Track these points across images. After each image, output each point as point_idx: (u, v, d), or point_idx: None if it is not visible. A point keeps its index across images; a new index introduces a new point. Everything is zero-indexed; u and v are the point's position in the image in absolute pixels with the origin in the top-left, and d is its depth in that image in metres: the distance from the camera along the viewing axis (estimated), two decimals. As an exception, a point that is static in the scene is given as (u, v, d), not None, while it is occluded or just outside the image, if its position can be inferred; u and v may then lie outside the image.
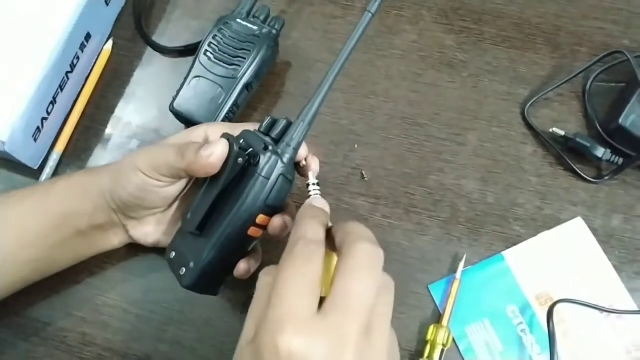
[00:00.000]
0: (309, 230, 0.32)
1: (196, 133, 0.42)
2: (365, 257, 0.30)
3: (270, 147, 0.37)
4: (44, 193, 0.43)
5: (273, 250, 0.40)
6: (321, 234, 0.33)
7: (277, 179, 0.37)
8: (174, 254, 0.40)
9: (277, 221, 0.38)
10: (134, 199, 0.41)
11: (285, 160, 0.37)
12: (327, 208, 0.37)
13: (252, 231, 0.38)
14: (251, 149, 0.37)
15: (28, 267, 0.42)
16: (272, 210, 0.38)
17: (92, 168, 0.45)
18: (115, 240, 0.44)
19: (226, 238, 0.37)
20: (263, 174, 0.36)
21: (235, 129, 0.41)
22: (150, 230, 0.44)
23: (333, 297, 0.29)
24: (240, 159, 0.37)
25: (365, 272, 0.30)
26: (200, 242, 0.38)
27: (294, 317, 0.28)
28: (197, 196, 0.39)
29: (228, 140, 0.38)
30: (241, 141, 0.38)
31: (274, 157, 0.36)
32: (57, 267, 0.44)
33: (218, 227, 0.37)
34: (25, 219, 0.42)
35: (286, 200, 0.39)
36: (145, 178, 0.40)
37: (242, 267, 0.40)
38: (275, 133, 0.38)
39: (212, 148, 0.37)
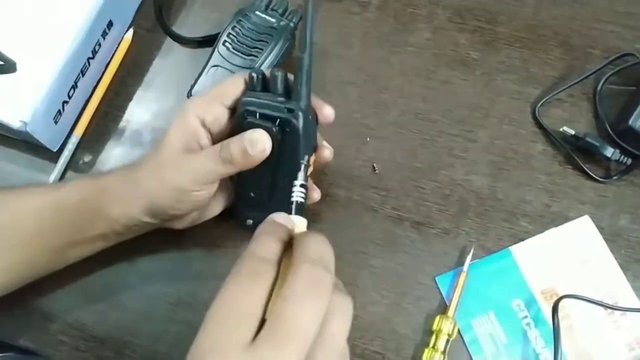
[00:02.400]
0: (260, 247, 0.30)
1: (191, 123, 0.41)
2: (304, 281, 0.28)
3: (291, 106, 0.39)
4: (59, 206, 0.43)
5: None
6: (274, 252, 0.30)
7: (309, 126, 0.40)
8: (250, 221, 0.45)
9: (326, 153, 0.44)
10: (173, 213, 0.42)
11: (305, 107, 0.40)
12: (290, 224, 0.33)
13: (308, 172, 0.42)
14: (278, 120, 0.39)
15: (45, 257, 0.44)
16: (314, 148, 0.43)
17: (114, 195, 0.42)
18: (140, 232, 0.45)
19: (297, 193, 0.40)
20: (300, 132, 0.39)
21: (219, 96, 0.42)
22: (183, 223, 0.45)
23: (269, 325, 0.27)
24: (278, 134, 0.39)
25: (303, 296, 0.27)
26: (273, 204, 0.43)
27: (221, 350, 0.26)
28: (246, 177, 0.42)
29: (264, 128, 0.39)
30: (258, 111, 0.40)
31: (300, 113, 0.39)
32: (72, 259, 0.45)
33: (285, 187, 0.39)
34: (44, 212, 0.43)
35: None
36: (190, 193, 0.40)
37: (316, 195, 0.45)
38: (278, 88, 0.40)
39: (259, 144, 0.38)
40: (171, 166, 0.41)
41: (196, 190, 0.40)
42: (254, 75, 0.41)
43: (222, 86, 0.42)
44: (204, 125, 0.41)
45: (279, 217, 0.34)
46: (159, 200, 0.41)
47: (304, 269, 0.28)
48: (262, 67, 0.49)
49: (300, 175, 0.39)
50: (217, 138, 0.42)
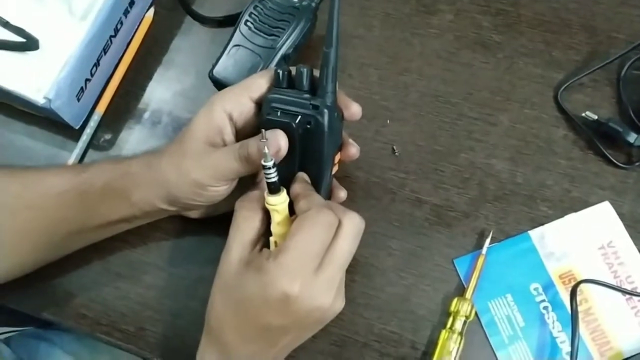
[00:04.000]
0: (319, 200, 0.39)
1: (217, 117, 0.41)
2: (357, 228, 0.39)
3: (316, 103, 0.39)
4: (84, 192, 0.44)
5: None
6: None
7: (334, 123, 0.40)
8: None
9: (352, 151, 0.44)
10: (190, 204, 0.43)
11: (331, 103, 0.39)
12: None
13: (333, 170, 0.43)
14: (300, 116, 0.39)
15: (69, 239, 0.45)
16: (340, 146, 0.43)
17: (134, 179, 0.43)
18: (158, 217, 0.46)
19: (324, 190, 0.43)
20: (326, 129, 0.39)
21: (247, 90, 0.42)
22: (199, 213, 0.46)
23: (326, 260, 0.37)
24: (299, 129, 0.39)
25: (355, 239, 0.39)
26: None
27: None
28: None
29: (284, 124, 0.39)
30: (282, 108, 0.40)
31: (325, 110, 0.39)
32: (94, 240, 0.46)
33: (317, 184, 0.42)
34: (68, 196, 0.43)
35: None
36: (208, 188, 0.41)
37: (342, 195, 0.46)
38: (304, 84, 0.40)
39: (277, 144, 0.38)
40: (192, 159, 0.41)
41: (214, 186, 0.41)
42: (280, 71, 0.41)
43: (250, 79, 0.42)
44: (230, 119, 0.41)
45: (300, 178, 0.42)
46: (177, 191, 0.42)
47: (354, 217, 0.39)
48: (284, 47, 0.49)
49: (267, 155, 0.38)
50: (242, 133, 0.42)
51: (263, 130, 0.37)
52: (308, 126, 0.39)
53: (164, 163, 0.42)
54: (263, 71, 0.43)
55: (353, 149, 0.44)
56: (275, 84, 0.41)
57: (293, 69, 0.41)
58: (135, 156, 0.45)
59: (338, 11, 0.37)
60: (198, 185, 0.41)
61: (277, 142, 0.39)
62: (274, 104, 0.40)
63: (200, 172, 0.40)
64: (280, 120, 0.39)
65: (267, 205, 0.40)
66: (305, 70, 0.40)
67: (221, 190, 0.42)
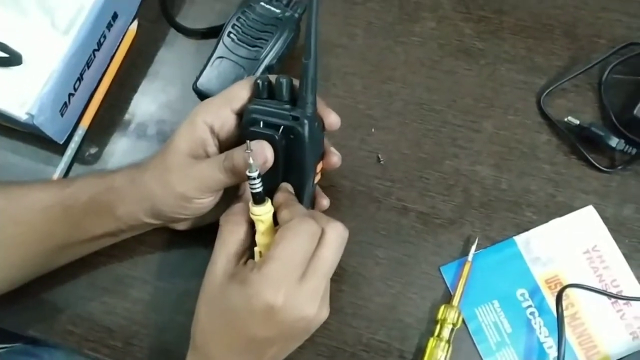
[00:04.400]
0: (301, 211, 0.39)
1: (199, 129, 0.41)
2: (341, 237, 0.39)
3: (297, 114, 0.39)
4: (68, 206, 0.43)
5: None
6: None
7: (315, 133, 0.40)
8: None
9: (334, 159, 0.44)
10: (175, 217, 0.43)
11: (311, 114, 0.39)
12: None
13: (316, 179, 0.43)
14: (282, 127, 0.39)
15: (55, 253, 0.44)
16: (322, 155, 0.43)
17: (119, 192, 0.43)
18: (143, 231, 0.46)
19: (307, 199, 0.43)
20: (306, 139, 0.39)
21: (228, 102, 0.41)
22: (185, 224, 0.46)
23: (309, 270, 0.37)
24: (282, 141, 0.39)
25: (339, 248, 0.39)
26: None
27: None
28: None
29: (267, 136, 0.39)
30: (262, 119, 0.40)
31: (305, 121, 0.39)
32: (80, 255, 0.46)
33: (300, 194, 0.42)
34: (53, 211, 0.43)
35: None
36: (193, 201, 0.41)
37: (325, 203, 0.47)
38: (284, 95, 0.40)
39: (260, 155, 0.39)
40: (176, 172, 0.41)
41: (199, 198, 0.41)
42: (259, 82, 0.41)
43: (230, 91, 0.42)
44: (212, 131, 0.41)
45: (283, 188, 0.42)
46: (162, 204, 0.42)
47: (338, 226, 0.39)
48: (268, 58, 0.49)
49: (252, 166, 0.38)
50: (225, 144, 0.42)
51: (248, 141, 0.37)
52: (290, 137, 0.40)
53: (147, 177, 0.42)
54: (243, 81, 0.43)
55: (334, 158, 0.44)
56: (256, 94, 0.41)
57: (273, 77, 0.41)
58: (120, 169, 0.45)
59: (316, 22, 0.37)
60: (183, 198, 0.41)
61: (264, 153, 0.39)
62: (255, 115, 0.40)
63: (185, 184, 0.40)
64: (263, 132, 0.39)
65: (251, 216, 0.40)
66: (285, 80, 0.40)
67: (206, 202, 0.42)
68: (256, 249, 0.41)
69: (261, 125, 0.40)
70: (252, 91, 0.42)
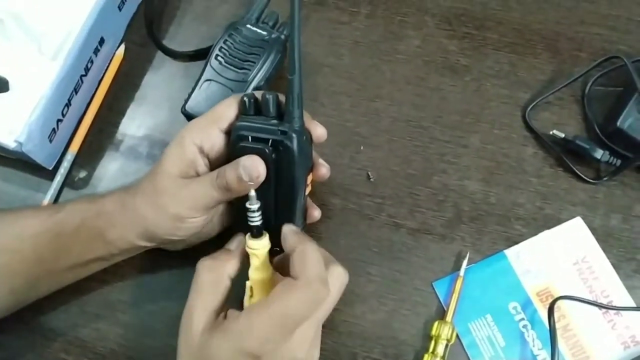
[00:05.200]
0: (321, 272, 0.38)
1: (188, 151, 0.41)
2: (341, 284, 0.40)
3: (285, 128, 0.39)
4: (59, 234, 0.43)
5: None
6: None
7: (304, 146, 0.40)
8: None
9: (322, 171, 0.44)
10: (170, 239, 0.43)
11: (299, 128, 0.40)
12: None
13: (307, 191, 0.43)
14: (271, 141, 0.40)
15: (45, 280, 0.44)
16: (311, 167, 0.43)
17: (112, 218, 0.43)
18: (136, 253, 0.46)
19: (299, 211, 0.43)
20: (296, 153, 0.39)
21: (215, 122, 0.42)
22: (180, 245, 0.45)
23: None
24: (272, 154, 0.40)
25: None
26: (273, 225, 0.42)
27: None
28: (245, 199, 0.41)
29: (257, 150, 0.40)
30: (251, 135, 0.40)
31: (294, 135, 0.39)
32: (71, 280, 0.46)
33: (292, 207, 0.42)
34: (42, 238, 0.43)
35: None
36: (187, 220, 0.41)
37: (317, 214, 0.46)
38: (271, 110, 0.40)
39: (254, 171, 0.39)
40: (168, 194, 0.41)
41: (193, 217, 0.41)
42: (246, 99, 0.41)
43: (217, 110, 0.42)
44: (201, 152, 0.41)
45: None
46: (155, 227, 0.42)
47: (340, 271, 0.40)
48: (255, 80, 0.50)
49: (253, 198, 0.38)
50: (215, 163, 0.42)
51: (241, 160, 0.38)
52: (280, 149, 0.40)
53: (138, 201, 0.42)
54: (229, 99, 0.43)
55: (323, 169, 0.44)
56: (242, 111, 0.42)
57: (258, 94, 0.41)
58: (109, 193, 0.44)
59: (299, 38, 0.37)
60: (177, 219, 0.41)
61: (256, 168, 0.39)
62: (243, 132, 0.40)
63: (178, 205, 0.40)
64: (253, 146, 0.40)
65: (247, 249, 0.40)
66: (271, 97, 0.40)
67: (200, 220, 0.42)
68: (248, 284, 0.40)
69: (250, 141, 0.40)
70: (238, 109, 0.42)
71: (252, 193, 0.37)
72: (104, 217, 0.43)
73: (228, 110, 0.42)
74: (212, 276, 0.38)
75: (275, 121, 0.40)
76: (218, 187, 0.40)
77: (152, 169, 0.43)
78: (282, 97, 0.41)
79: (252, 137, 0.40)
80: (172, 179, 0.41)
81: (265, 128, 0.40)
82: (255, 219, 0.38)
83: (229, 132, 0.42)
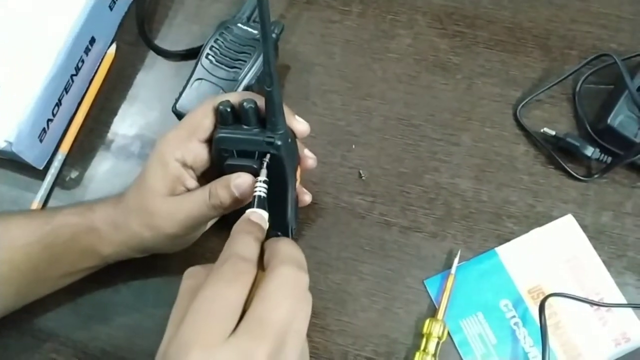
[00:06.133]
0: (241, 247, 0.32)
1: (171, 168, 0.40)
2: (285, 282, 0.30)
3: (269, 138, 0.39)
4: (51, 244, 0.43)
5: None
6: (254, 252, 0.32)
7: (290, 148, 0.40)
8: None
9: (309, 162, 0.44)
10: (167, 251, 0.43)
11: (283, 133, 0.39)
12: (264, 223, 0.36)
13: (297, 184, 0.44)
14: (257, 154, 0.39)
15: (37, 286, 0.44)
16: (298, 162, 0.43)
17: (103, 232, 0.43)
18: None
19: (290, 204, 0.42)
20: (284, 159, 0.39)
21: (193, 134, 0.40)
22: (176, 249, 0.46)
23: (247, 321, 0.28)
24: (261, 166, 0.39)
25: (283, 298, 0.29)
26: (280, 215, 0.42)
27: (202, 341, 0.27)
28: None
29: (246, 168, 0.39)
30: (236, 149, 0.40)
31: (279, 142, 0.39)
32: (64, 285, 0.46)
33: (283, 202, 0.42)
34: (34, 249, 0.43)
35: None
36: (185, 237, 0.42)
37: (307, 198, 0.46)
38: (252, 120, 0.39)
39: (246, 187, 0.38)
40: (162, 216, 0.40)
41: (190, 234, 0.42)
42: (223, 110, 0.39)
43: (193, 120, 0.41)
44: (185, 165, 0.41)
45: (255, 215, 0.36)
46: (154, 244, 0.42)
47: (282, 271, 0.30)
48: (247, 79, 0.50)
49: (263, 172, 0.38)
50: (201, 171, 0.42)
51: (232, 179, 0.38)
52: (270, 156, 0.40)
53: (132, 223, 0.42)
54: (203, 107, 0.41)
55: (310, 161, 0.45)
56: (221, 121, 0.40)
57: (234, 99, 0.40)
58: (97, 206, 0.44)
59: (272, 51, 0.36)
60: (175, 237, 0.42)
61: (247, 184, 0.39)
62: (227, 145, 0.40)
63: (174, 226, 0.41)
64: (241, 164, 0.39)
65: None
66: (250, 107, 0.39)
67: (199, 233, 0.43)
68: None
69: (236, 156, 0.40)
70: (215, 117, 0.41)
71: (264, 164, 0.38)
72: (95, 233, 0.43)
73: (204, 120, 0.40)
74: (191, 283, 0.33)
75: (257, 129, 0.40)
76: (212, 207, 0.40)
77: (138, 185, 0.42)
78: (259, 100, 0.39)
79: (237, 152, 0.40)
80: (162, 199, 0.41)
81: (249, 139, 0.39)
82: (263, 190, 0.38)
83: (209, 140, 0.41)
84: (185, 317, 0.29)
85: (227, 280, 0.29)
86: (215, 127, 0.41)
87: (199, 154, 0.41)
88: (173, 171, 0.40)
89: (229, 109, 0.40)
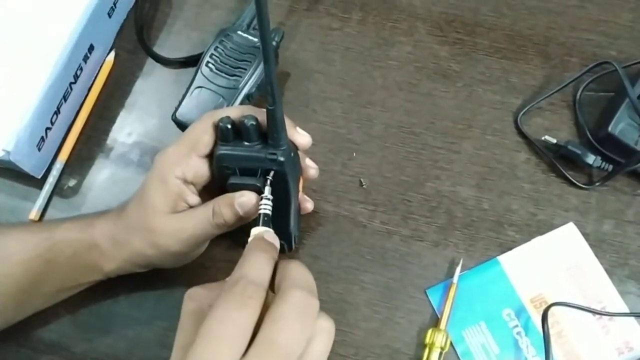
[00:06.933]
0: (254, 269, 0.31)
1: (172, 185, 0.40)
2: (295, 307, 0.29)
3: (272, 155, 0.38)
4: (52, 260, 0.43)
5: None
6: (266, 274, 0.32)
7: (292, 162, 0.40)
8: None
9: (311, 172, 0.44)
10: (172, 266, 0.43)
11: (285, 149, 0.39)
12: (277, 242, 0.35)
13: (299, 193, 0.44)
14: (260, 171, 0.39)
15: (38, 300, 0.44)
16: (300, 173, 0.43)
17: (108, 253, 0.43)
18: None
19: (293, 215, 0.42)
20: (288, 174, 0.39)
21: (193, 150, 0.40)
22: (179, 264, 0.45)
23: (256, 345, 0.28)
24: (265, 184, 0.39)
25: (293, 322, 0.29)
26: (282, 225, 0.42)
27: None
28: None
29: (249, 186, 0.39)
30: (238, 166, 0.39)
31: (282, 159, 0.38)
32: (64, 297, 0.45)
33: (287, 214, 0.42)
34: (34, 264, 0.42)
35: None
36: (189, 254, 0.42)
37: (309, 206, 0.46)
38: (253, 137, 0.39)
39: (251, 208, 0.38)
40: (166, 234, 0.40)
41: (194, 251, 0.42)
42: (223, 127, 0.39)
43: (193, 136, 0.40)
44: (185, 182, 0.40)
45: (268, 234, 0.35)
46: (159, 261, 0.42)
47: (293, 294, 0.30)
48: (247, 87, 0.49)
49: (267, 189, 0.38)
50: (202, 185, 0.42)
51: (236, 198, 0.38)
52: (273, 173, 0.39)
53: (135, 241, 0.41)
54: (203, 123, 0.40)
55: (312, 171, 0.44)
56: (221, 138, 0.40)
57: (233, 113, 0.39)
58: (97, 221, 0.43)
59: (274, 71, 0.34)
60: (180, 255, 0.42)
61: (252, 202, 0.39)
62: (228, 164, 0.40)
63: (178, 244, 0.40)
64: (244, 183, 0.39)
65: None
66: (252, 124, 0.38)
67: (203, 249, 0.44)
68: None
69: (238, 174, 0.40)
70: (214, 132, 0.40)
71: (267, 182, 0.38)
72: (97, 249, 0.42)
73: (204, 136, 0.40)
74: (194, 305, 0.32)
75: (258, 146, 0.39)
76: (216, 225, 0.39)
77: (138, 201, 0.41)
78: (260, 115, 0.38)
79: (240, 169, 0.39)
80: (165, 217, 0.40)
81: (251, 156, 0.39)
82: (268, 208, 0.38)
83: (210, 155, 0.41)
84: (196, 340, 0.28)
85: (237, 303, 0.29)
86: (216, 143, 0.40)
87: (200, 170, 0.41)
88: (174, 188, 0.40)
89: (229, 126, 0.39)
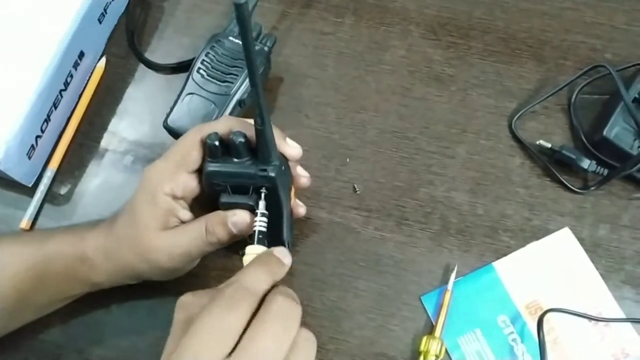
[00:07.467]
0: (248, 277, 0.32)
1: (161, 202, 0.39)
2: (277, 310, 0.30)
3: (263, 172, 0.38)
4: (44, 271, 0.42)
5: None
6: (260, 283, 0.32)
7: (283, 175, 0.39)
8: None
9: (303, 181, 0.43)
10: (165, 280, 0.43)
11: (276, 165, 0.38)
12: (287, 260, 0.36)
13: (291, 202, 0.43)
14: (251, 188, 0.39)
15: (29, 312, 0.44)
16: (291, 182, 0.42)
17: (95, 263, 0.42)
18: None
19: (286, 223, 0.42)
20: (279, 188, 0.39)
21: (182, 166, 0.39)
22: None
23: (241, 346, 0.29)
24: (257, 201, 0.39)
25: (276, 324, 0.30)
26: (275, 234, 0.42)
27: None
28: None
29: (242, 205, 0.39)
30: (229, 183, 0.39)
31: (273, 175, 0.38)
32: (56, 308, 0.45)
33: (279, 223, 0.41)
34: (24, 279, 0.42)
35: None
36: (183, 269, 0.42)
37: (302, 211, 0.46)
38: (242, 153, 0.38)
39: (245, 226, 0.38)
40: (159, 251, 0.40)
41: (185, 266, 0.42)
42: (211, 144, 0.38)
43: (180, 151, 0.40)
44: (175, 198, 0.40)
45: (279, 251, 0.36)
46: (152, 276, 0.42)
47: (276, 299, 0.31)
48: (238, 93, 0.49)
49: (261, 204, 0.38)
50: (191, 199, 0.41)
51: (229, 217, 0.38)
52: (266, 188, 0.39)
53: (128, 256, 0.41)
54: (190, 138, 0.40)
55: (303, 179, 0.43)
56: (210, 155, 0.39)
57: (220, 128, 0.38)
58: (89, 234, 0.42)
59: (262, 92, 0.34)
60: (174, 270, 0.42)
61: (245, 220, 0.39)
62: (218, 180, 0.39)
63: (171, 261, 0.40)
64: (236, 202, 0.39)
65: (245, 257, 0.38)
66: (241, 141, 0.37)
67: (196, 263, 0.43)
68: None
69: (229, 191, 0.39)
70: (203, 148, 0.39)
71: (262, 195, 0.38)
72: (88, 263, 0.42)
73: (192, 152, 0.39)
74: (185, 315, 0.33)
75: (248, 162, 0.38)
76: (210, 243, 0.39)
77: (128, 216, 0.41)
78: (248, 131, 0.38)
79: (230, 186, 0.39)
80: (156, 234, 0.40)
81: (242, 173, 0.38)
82: (263, 225, 0.38)
83: (199, 170, 0.40)
84: (184, 338, 0.29)
85: (227, 304, 0.30)
86: (204, 159, 0.40)
87: (189, 185, 0.40)
88: (163, 205, 0.39)
89: (217, 143, 0.38)
